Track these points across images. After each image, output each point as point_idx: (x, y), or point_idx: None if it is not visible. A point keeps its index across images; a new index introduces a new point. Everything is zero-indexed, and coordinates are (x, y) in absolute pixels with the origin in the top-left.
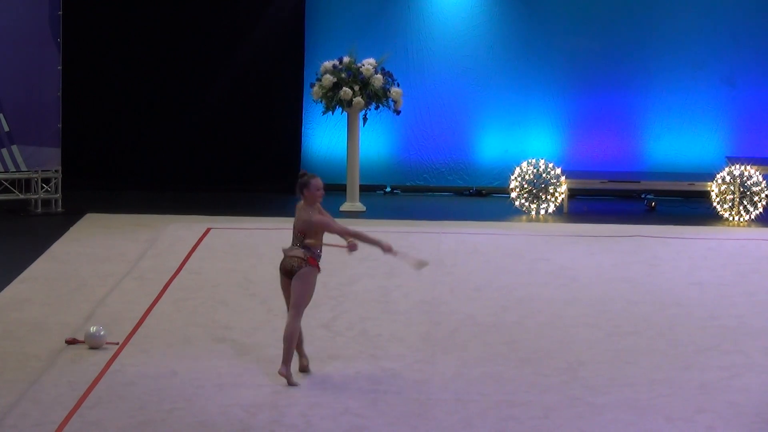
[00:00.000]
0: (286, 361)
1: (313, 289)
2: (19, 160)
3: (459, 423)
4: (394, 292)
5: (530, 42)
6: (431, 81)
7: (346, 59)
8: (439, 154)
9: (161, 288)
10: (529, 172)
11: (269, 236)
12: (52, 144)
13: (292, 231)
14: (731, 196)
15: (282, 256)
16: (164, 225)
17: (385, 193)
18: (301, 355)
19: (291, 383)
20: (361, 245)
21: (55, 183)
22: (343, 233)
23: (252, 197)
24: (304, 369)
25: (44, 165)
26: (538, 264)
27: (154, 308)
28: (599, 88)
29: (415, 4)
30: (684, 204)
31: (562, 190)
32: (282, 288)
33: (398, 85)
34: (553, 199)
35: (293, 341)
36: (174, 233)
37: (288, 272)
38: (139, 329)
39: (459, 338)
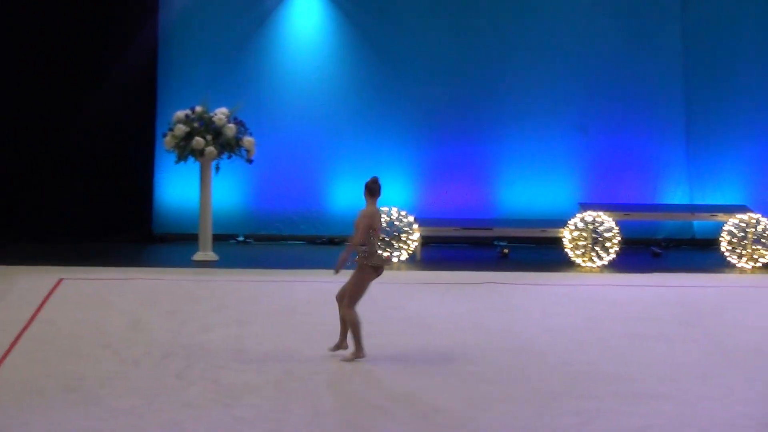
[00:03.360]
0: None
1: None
2: None
3: None
4: (248, 340)
5: (382, 91)
6: (284, 130)
7: (198, 109)
8: (292, 203)
9: (12, 339)
10: (381, 219)
11: (122, 286)
12: None
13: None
14: (583, 242)
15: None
16: (15, 276)
17: (238, 242)
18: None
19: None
20: None
21: None
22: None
23: (105, 247)
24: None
25: None
26: (391, 312)
27: (5, 361)
28: (451, 136)
29: (267, 54)
30: (537, 250)
31: (415, 238)
32: None
33: (251, 134)
34: (406, 247)
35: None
36: (25, 284)
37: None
38: None
39: (312, 386)
